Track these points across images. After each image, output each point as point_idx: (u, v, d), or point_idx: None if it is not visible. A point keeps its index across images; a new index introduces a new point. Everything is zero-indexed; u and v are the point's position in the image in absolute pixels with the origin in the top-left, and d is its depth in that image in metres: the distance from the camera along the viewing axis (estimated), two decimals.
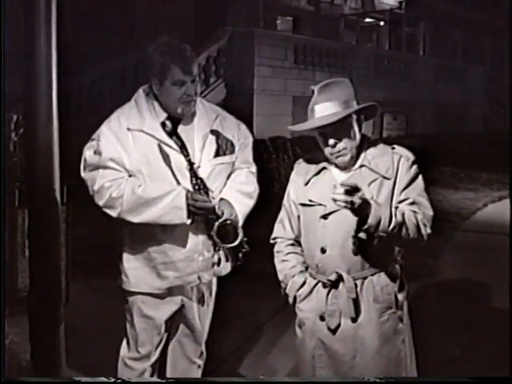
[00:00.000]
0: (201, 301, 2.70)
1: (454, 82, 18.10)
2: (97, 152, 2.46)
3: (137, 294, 2.60)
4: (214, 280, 2.71)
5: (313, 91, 2.18)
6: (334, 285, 2.17)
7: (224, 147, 2.58)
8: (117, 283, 2.66)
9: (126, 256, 2.60)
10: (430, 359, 3.29)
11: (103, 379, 2.25)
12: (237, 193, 2.59)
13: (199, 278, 2.59)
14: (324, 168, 2.24)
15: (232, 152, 2.60)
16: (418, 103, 16.64)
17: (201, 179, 2.49)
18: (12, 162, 4.34)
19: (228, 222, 2.46)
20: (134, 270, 2.58)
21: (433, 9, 19.36)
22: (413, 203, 2.14)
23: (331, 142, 2.13)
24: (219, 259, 2.61)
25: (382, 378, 2.09)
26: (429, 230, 2.13)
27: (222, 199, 2.52)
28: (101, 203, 2.47)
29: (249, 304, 4.49)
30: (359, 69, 14.34)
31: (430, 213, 2.16)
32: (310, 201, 2.21)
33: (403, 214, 2.07)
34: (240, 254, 2.55)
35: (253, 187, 2.67)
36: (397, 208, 2.13)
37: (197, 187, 2.48)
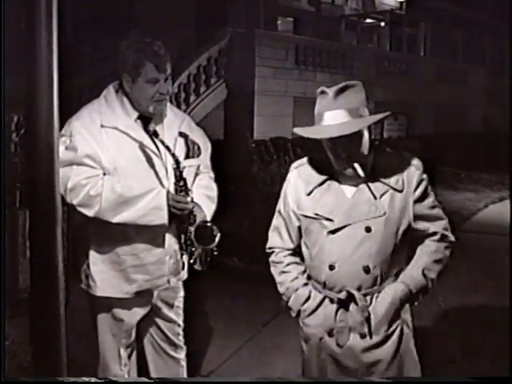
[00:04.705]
0: (168, 303, 2.67)
1: (455, 82, 18.10)
2: (69, 148, 2.35)
3: (104, 299, 2.53)
4: (180, 283, 2.68)
5: (322, 92, 2.01)
6: (343, 302, 2.06)
7: (192, 150, 2.54)
8: (82, 288, 2.58)
9: (92, 259, 2.50)
10: (431, 360, 3.29)
11: (91, 379, 2.24)
12: (203, 196, 2.56)
13: (168, 281, 2.56)
14: (328, 179, 2.10)
15: (199, 155, 2.57)
16: (418, 104, 16.62)
17: (184, 180, 2.44)
18: (13, 163, 4.34)
19: (208, 224, 2.43)
20: (101, 273, 2.49)
21: (433, 9, 19.34)
22: (434, 233, 2.15)
23: (343, 155, 2.00)
24: (183, 263, 2.60)
25: (382, 377, 2.07)
26: (452, 238, 2.17)
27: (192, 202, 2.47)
28: (75, 202, 2.36)
29: (248, 305, 4.50)
30: (360, 69, 14.32)
31: (446, 220, 2.18)
32: (317, 214, 2.07)
33: (425, 271, 2.20)
34: (209, 258, 2.48)
35: (215, 192, 2.66)
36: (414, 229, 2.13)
37: (179, 188, 2.44)
